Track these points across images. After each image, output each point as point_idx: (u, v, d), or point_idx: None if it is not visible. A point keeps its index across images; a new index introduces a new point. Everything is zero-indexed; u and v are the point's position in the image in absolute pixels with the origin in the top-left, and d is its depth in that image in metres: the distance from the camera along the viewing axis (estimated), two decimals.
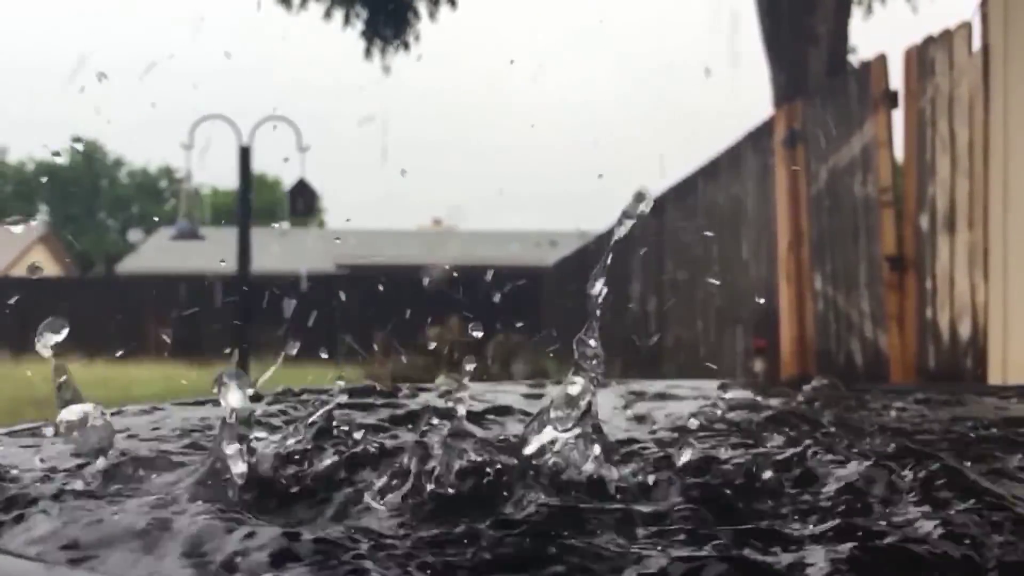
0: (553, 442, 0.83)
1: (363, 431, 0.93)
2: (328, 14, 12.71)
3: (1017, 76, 4.42)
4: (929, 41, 5.15)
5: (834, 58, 8.43)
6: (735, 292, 8.36)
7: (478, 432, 0.86)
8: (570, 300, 16.63)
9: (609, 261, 0.86)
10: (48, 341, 0.93)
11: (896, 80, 5.53)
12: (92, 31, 78.35)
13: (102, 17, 76.57)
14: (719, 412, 1.19)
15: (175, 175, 51.41)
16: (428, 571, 0.60)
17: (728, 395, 1.41)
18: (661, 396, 1.48)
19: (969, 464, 0.86)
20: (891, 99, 5.56)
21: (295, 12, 12.68)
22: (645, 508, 0.73)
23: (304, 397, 1.34)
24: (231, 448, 0.78)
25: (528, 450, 0.83)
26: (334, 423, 0.94)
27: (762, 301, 7.42)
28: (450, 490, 0.76)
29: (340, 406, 1.04)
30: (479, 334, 1.23)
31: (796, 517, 0.74)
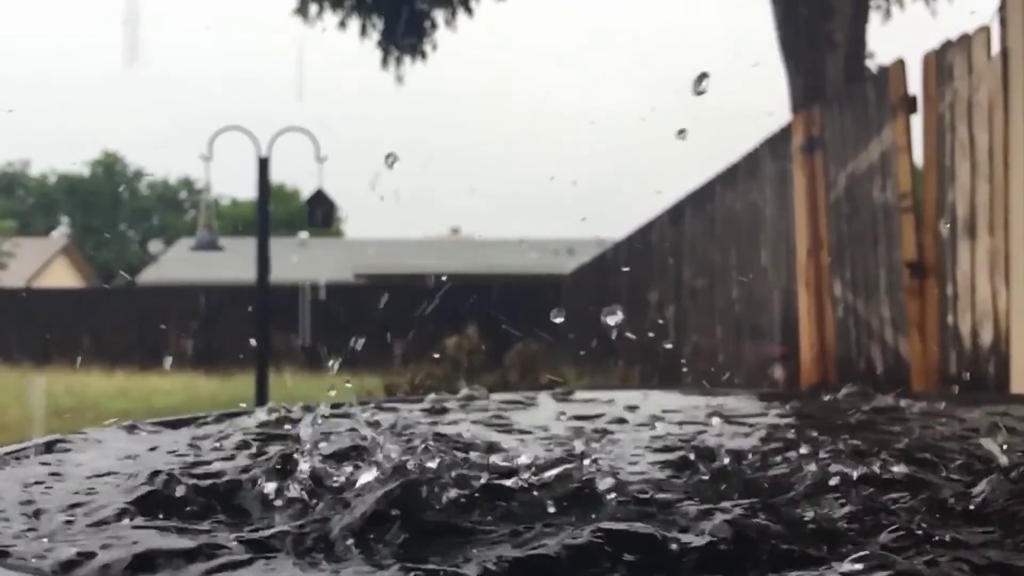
0: None
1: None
2: (343, 24, 12.78)
3: None
4: (947, 45, 5.12)
5: (852, 63, 8.40)
6: (754, 299, 8.32)
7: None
8: (587, 307, 16.60)
9: None
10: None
11: (915, 85, 5.50)
12: (112, 46, 79.04)
13: (121, 31, 77.22)
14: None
15: (195, 186, 51.78)
16: None
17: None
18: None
19: None
20: (910, 104, 5.53)
21: (312, 23, 12.76)
22: None
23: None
24: None
25: None
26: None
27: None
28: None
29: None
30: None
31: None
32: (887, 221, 5.79)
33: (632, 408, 1.40)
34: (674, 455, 0.99)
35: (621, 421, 1.28)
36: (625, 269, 13.24)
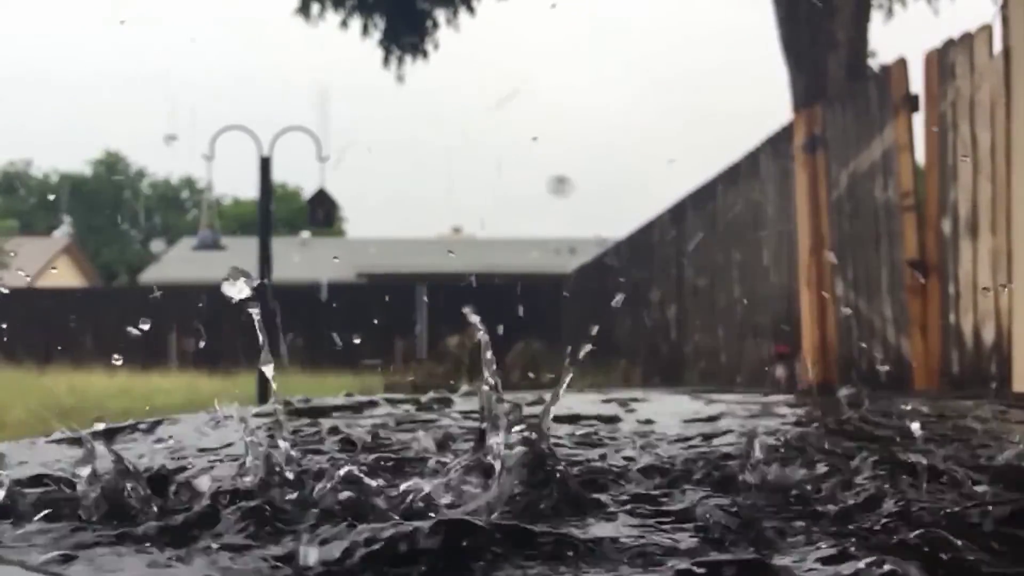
0: None
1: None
2: (345, 24, 12.77)
3: None
4: (949, 44, 5.11)
5: (854, 62, 8.39)
6: (756, 298, 8.32)
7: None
8: (589, 306, 16.61)
9: None
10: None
11: (917, 83, 5.50)
12: (114, 45, 79.07)
13: (124, 30, 77.27)
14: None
15: (197, 186, 51.78)
16: None
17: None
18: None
19: None
20: (912, 103, 5.53)
21: (314, 22, 12.76)
22: None
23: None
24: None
25: None
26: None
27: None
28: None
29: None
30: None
31: None
32: (889, 220, 5.78)
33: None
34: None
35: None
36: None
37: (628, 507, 0.80)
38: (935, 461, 0.92)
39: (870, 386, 1.40)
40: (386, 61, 12.94)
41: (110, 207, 52.74)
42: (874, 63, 9.45)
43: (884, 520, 0.74)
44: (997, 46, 4.73)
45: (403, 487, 0.80)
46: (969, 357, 4.94)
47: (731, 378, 8.87)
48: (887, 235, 5.81)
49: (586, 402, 1.55)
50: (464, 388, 1.55)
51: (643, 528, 0.73)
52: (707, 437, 1.16)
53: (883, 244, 5.86)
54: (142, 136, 72.70)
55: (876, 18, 10.76)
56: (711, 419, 1.34)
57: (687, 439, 1.18)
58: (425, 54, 12.94)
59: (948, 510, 0.75)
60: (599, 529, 0.72)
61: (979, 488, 0.82)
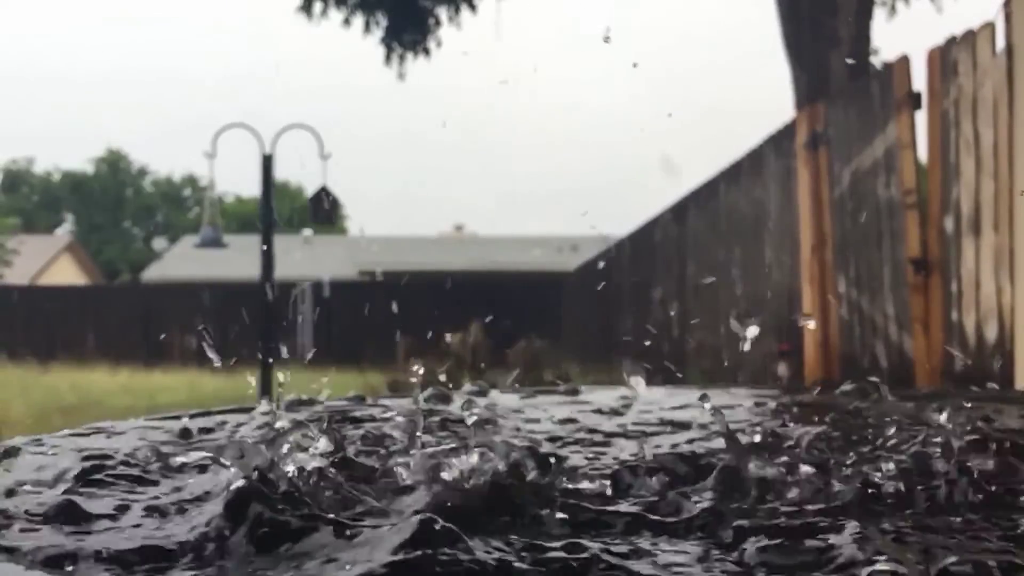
0: None
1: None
2: (347, 22, 12.78)
3: None
4: (952, 42, 5.11)
5: (856, 59, 8.39)
6: (758, 296, 8.31)
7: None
8: (591, 305, 16.61)
9: None
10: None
11: (919, 81, 5.49)
12: (115, 42, 79.08)
13: (125, 28, 77.32)
14: None
15: (199, 183, 51.81)
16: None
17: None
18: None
19: None
20: (914, 100, 5.52)
21: (316, 21, 12.77)
22: None
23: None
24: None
25: None
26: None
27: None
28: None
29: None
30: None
31: None
32: (891, 218, 5.78)
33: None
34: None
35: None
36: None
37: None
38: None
39: (873, 383, 1.39)
40: (388, 59, 12.95)
41: (112, 205, 52.80)
42: (876, 60, 9.44)
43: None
44: (1000, 43, 4.73)
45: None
46: (971, 355, 4.94)
47: (732, 376, 8.87)
48: (889, 232, 5.81)
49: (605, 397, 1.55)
50: (467, 385, 1.55)
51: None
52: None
53: (885, 241, 5.86)
54: (144, 134, 72.75)
55: (879, 15, 10.75)
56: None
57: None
58: (427, 52, 12.95)
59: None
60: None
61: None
